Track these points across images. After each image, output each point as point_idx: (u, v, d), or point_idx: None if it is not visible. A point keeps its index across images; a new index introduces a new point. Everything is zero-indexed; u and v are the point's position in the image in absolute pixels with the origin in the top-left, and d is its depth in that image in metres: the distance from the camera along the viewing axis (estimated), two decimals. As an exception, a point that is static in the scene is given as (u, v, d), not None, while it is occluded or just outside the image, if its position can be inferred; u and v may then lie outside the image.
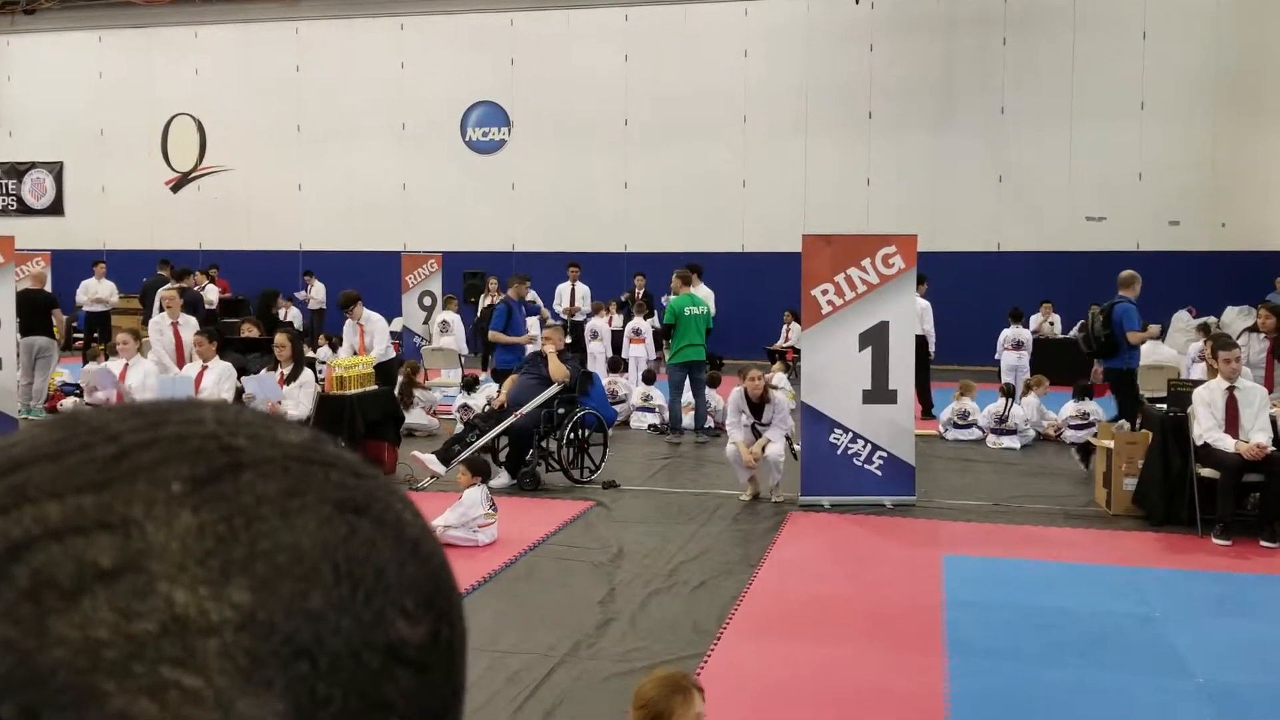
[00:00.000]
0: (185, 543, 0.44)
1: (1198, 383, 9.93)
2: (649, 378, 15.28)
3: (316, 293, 23.29)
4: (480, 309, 20.31)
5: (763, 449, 10.18)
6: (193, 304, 15.88)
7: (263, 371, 11.19)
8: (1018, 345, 17.87)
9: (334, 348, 15.14)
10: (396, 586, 0.48)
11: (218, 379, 11.04)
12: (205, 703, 0.41)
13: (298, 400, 10.85)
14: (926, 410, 14.62)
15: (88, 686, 0.41)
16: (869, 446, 10.32)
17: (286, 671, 0.43)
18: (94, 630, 0.41)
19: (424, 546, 0.51)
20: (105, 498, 0.44)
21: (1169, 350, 14.10)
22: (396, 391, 13.76)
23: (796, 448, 10.71)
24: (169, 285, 16.12)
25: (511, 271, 22.86)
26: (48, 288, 16.05)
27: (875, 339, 10.31)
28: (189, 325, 13.18)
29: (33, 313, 14.81)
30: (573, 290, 20.80)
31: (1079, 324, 12.15)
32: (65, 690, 0.41)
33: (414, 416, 13.82)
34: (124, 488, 0.45)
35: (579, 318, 19.89)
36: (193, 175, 27.01)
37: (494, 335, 13.03)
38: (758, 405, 10.37)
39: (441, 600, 0.50)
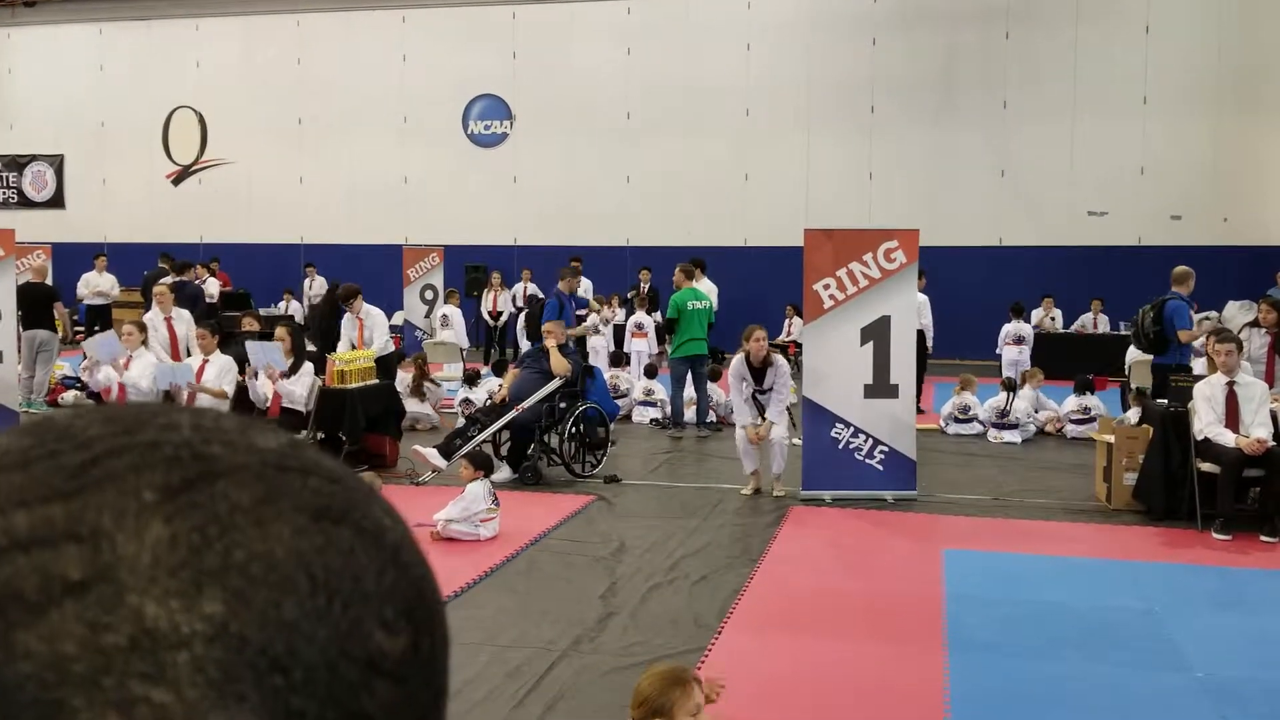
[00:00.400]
0: (156, 554, 0.43)
1: (1198, 378, 9.92)
2: (651, 372, 15.28)
3: (317, 286, 23.27)
4: (529, 300, 20.20)
5: (768, 430, 10.21)
6: (192, 298, 15.85)
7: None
8: (1019, 340, 17.88)
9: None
10: (375, 596, 0.47)
11: (218, 373, 11.03)
12: (175, 718, 0.41)
13: (298, 383, 10.91)
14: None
15: (55, 701, 0.40)
16: (870, 441, 10.32)
17: (260, 685, 0.42)
18: (62, 644, 0.41)
19: (404, 554, 0.50)
20: (74, 507, 0.43)
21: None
22: (409, 384, 13.88)
23: (798, 441, 10.73)
24: (162, 279, 16.11)
25: (514, 265, 22.93)
26: (48, 281, 16.04)
27: (877, 333, 10.31)
28: (182, 319, 13.16)
29: (34, 306, 14.81)
30: (574, 284, 20.82)
31: (1132, 319, 12.02)
32: (32, 705, 0.40)
33: (421, 407, 13.92)
34: (94, 497, 0.44)
35: (580, 312, 19.87)
36: (194, 168, 26.99)
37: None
38: (760, 370, 10.38)
39: (422, 610, 0.49)
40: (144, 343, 11.76)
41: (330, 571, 0.46)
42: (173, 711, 0.41)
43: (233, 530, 0.44)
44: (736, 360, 10.53)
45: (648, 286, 20.26)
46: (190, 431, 0.47)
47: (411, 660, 0.48)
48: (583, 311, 15.76)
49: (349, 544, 0.47)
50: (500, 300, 21.41)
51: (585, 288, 20.58)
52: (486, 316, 21.31)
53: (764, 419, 10.34)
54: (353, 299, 12.97)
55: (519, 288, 21.83)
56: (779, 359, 10.56)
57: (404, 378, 14.13)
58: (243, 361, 11.35)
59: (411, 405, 13.84)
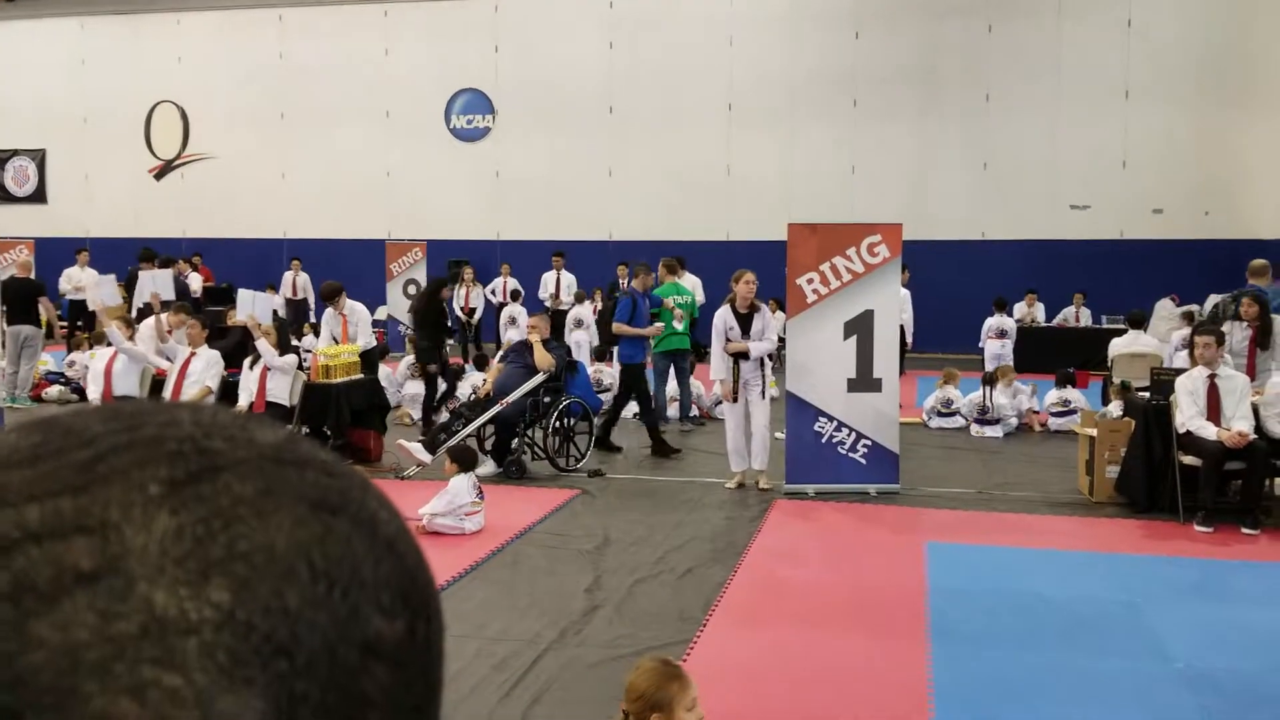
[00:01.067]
0: (163, 544, 0.44)
1: (1180, 371, 9.97)
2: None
3: (300, 281, 23.12)
4: (605, 299, 19.73)
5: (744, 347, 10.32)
6: (181, 292, 15.82)
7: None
8: (1002, 334, 17.95)
9: (318, 335, 15.19)
10: (372, 584, 0.49)
11: (205, 365, 11.04)
12: (186, 701, 0.42)
13: (283, 369, 10.96)
14: None
15: (69, 688, 0.41)
16: (853, 435, 10.35)
17: (265, 669, 0.44)
18: (75, 632, 0.42)
19: (399, 544, 0.51)
20: (83, 501, 0.45)
21: (1151, 339, 14.14)
22: (412, 365, 14.18)
23: (780, 434, 10.76)
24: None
25: (496, 260, 22.89)
26: (32, 276, 16.00)
27: (860, 328, 10.33)
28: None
29: (18, 301, 14.76)
30: (558, 279, 20.79)
31: (1209, 313, 11.87)
32: (47, 692, 0.41)
33: (419, 387, 14.17)
34: (101, 491, 0.45)
35: (563, 307, 19.86)
36: (176, 163, 26.91)
37: (618, 327, 12.71)
38: (746, 316, 10.39)
39: (418, 597, 0.51)
40: (131, 337, 11.78)
41: (329, 560, 0.47)
42: (183, 695, 0.42)
43: (236, 522, 0.46)
44: (720, 312, 10.53)
45: (625, 281, 20.21)
46: (191, 427, 0.49)
47: (408, 645, 0.50)
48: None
49: (346, 534, 0.49)
50: (473, 296, 21.22)
51: (568, 282, 20.57)
52: (459, 313, 21.10)
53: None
54: (336, 296, 12.94)
55: (498, 282, 21.76)
56: (765, 307, 10.57)
57: (408, 360, 14.46)
58: (229, 355, 11.36)
59: (412, 387, 14.07)
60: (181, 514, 0.45)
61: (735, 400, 10.40)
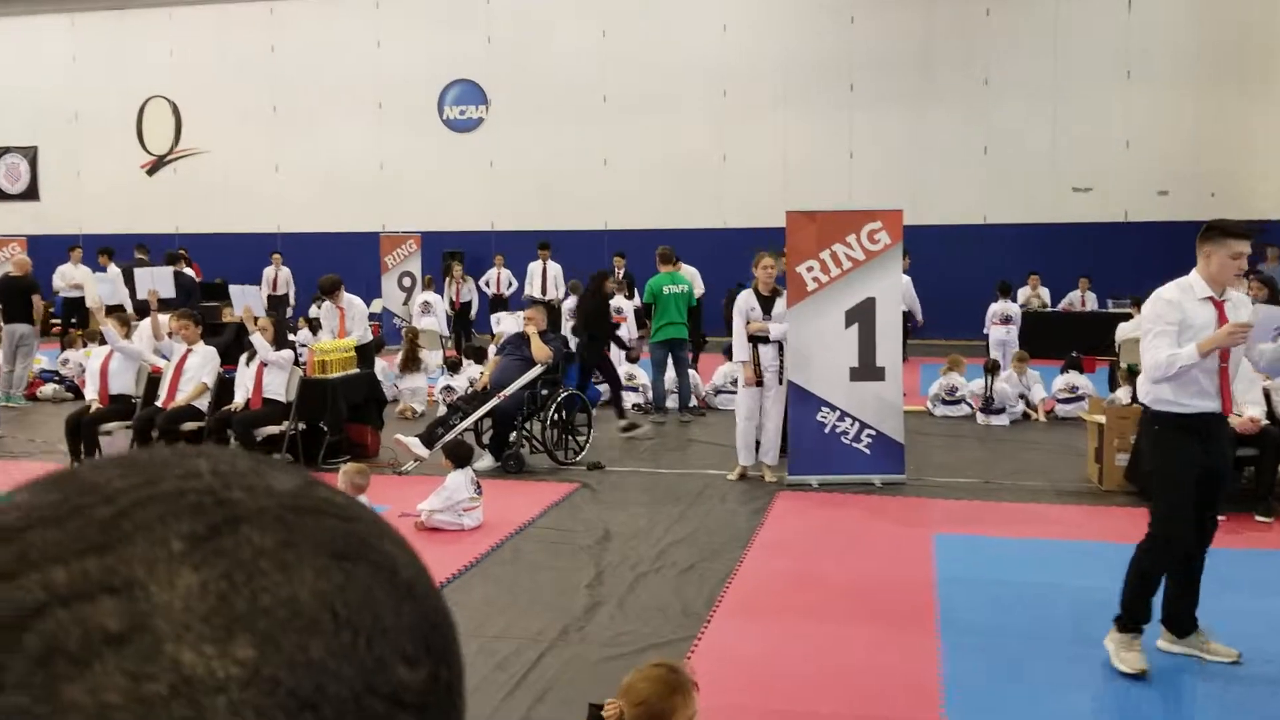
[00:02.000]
0: (188, 602, 0.45)
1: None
2: (632, 357, 15.17)
3: (282, 276, 22.81)
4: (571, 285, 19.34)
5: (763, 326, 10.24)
6: (187, 290, 15.57)
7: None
8: (1006, 320, 17.79)
9: (314, 330, 15.04)
10: (394, 630, 0.49)
11: (201, 361, 10.93)
12: None
13: (280, 364, 10.83)
14: None
15: None
16: (857, 425, 10.22)
17: None
18: (105, 695, 0.42)
19: (419, 588, 0.52)
20: (109, 560, 0.45)
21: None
22: (401, 359, 14.22)
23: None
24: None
25: (491, 251, 22.74)
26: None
27: (862, 316, 10.20)
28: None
29: (14, 299, 14.68)
30: (544, 270, 20.50)
31: None
32: None
33: (414, 380, 14.16)
34: (126, 549, 0.46)
35: (547, 297, 19.62)
36: (169, 158, 26.78)
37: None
38: (768, 299, 10.31)
39: (439, 641, 0.52)
40: (127, 335, 11.68)
41: (351, 610, 0.48)
42: None
43: (258, 575, 0.46)
44: (743, 294, 10.43)
45: (622, 272, 20.04)
46: (211, 478, 0.49)
47: (431, 691, 0.50)
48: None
49: (367, 582, 0.49)
50: (464, 290, 20.92)
51: (555, 273, 20.32)
52: (448, 308, 20.76)
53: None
54: (335, 290, 12.82)
55: (491, 273, 21.58)
56: (785, 292, 10.47)
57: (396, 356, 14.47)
58: (225, 351, 11.25)
59: (409, 381, 14.01)
60: (204, 570, 0.46)
61: (759, 383, 10.25)
